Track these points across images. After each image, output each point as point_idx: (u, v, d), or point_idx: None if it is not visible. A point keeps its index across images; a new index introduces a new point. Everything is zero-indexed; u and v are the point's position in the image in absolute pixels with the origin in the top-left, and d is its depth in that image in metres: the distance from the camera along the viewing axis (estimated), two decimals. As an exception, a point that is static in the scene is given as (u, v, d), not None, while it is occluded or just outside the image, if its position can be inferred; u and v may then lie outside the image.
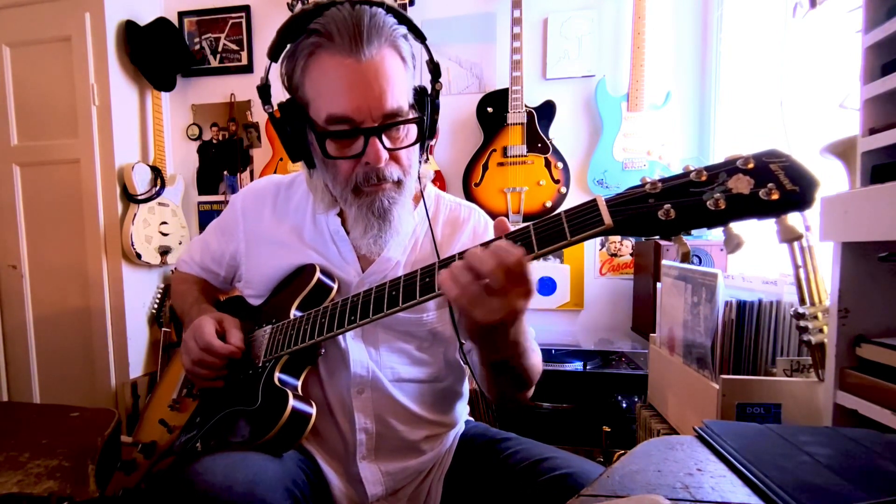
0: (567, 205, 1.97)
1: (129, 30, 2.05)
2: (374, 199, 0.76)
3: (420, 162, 0.81)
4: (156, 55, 2.12)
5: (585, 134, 2.06)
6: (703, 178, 0.49)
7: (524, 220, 2.01)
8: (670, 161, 1.91)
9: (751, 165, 0.48)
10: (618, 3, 1.99)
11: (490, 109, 2.04)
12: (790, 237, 0.48)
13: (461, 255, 0.61)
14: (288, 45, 0.74)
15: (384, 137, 0.72)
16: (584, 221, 0.54)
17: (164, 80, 2.18)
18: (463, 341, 0.83)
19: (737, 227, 0.49)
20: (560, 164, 1.99)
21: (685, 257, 0.53)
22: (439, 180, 2.11)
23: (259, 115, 2.31)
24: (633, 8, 1.88)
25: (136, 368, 2.11)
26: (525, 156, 1.99)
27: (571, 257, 2.09)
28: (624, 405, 1.64)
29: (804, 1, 1.38)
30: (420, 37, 0.76)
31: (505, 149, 2.00)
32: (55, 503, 0.81)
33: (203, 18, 2.32)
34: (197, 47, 2.33)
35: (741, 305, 0.97)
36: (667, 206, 0.50)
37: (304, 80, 0.73)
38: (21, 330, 2.15)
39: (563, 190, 2.00)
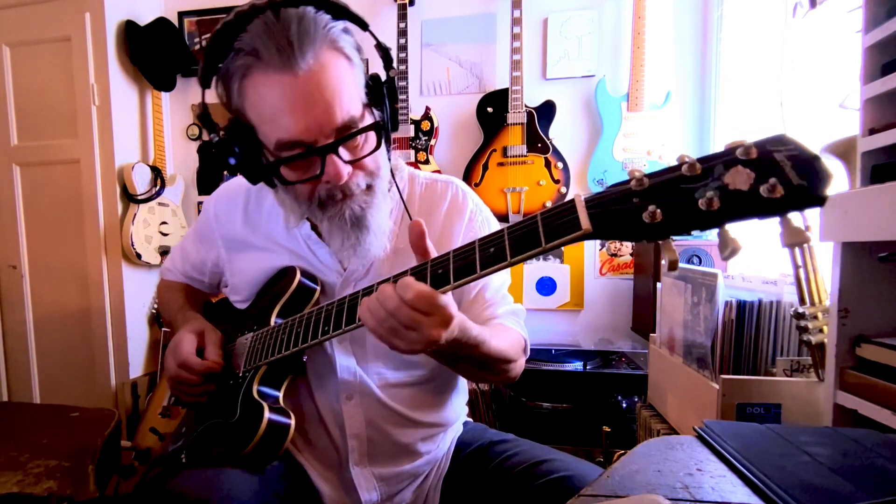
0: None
1: (129, 30, 2.05)
2: (343, 209, 0.70)
3: (390, 155, 0.75)
4: (156, 55, 2.11)
5: (585, 134, 2.06)
6: (697, 172, 0.43)
7: (524, 220, 2.01)
8: (670, 161, 1.91)
9: (753, 155, 0.41)
10: (618, 3, 1.99)
11: (490, 109, 2.03)
12: (796, 241, 0.41)
13: (458, 251, 0.58)
14: (216, 68, 0.67)
15: (342, 151, 0.66)
16: (560, 225, 0.48)
17: (164, 80, 2.18)
18: None
19: (733, 229, 0.43)
20: (560, 164, 1.99)
21: (672, 266, 0.45)
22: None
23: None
24: (633, 8, 1.88)
25: (136, 368, 2.11)
26: (525, 156, 1.99)
27: (571, 257, 2.09)
28: (624, 405, 1.64)
29: (804, 1, 1.37)
30: (362, 25, 0.69)
31: (505, 149, 2.00)
32: (55, 503, 0.81)
33: (203, 18, 2.32)
34: (197, 47, 2.33)
35: (741, 305, 0.97)
36: (652, 207, 0.43)
37: (243, 104, 0.67)
38: (21, 330, 2.15)
39: (563, 190, 2.00)
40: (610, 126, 1.95)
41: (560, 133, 2.02)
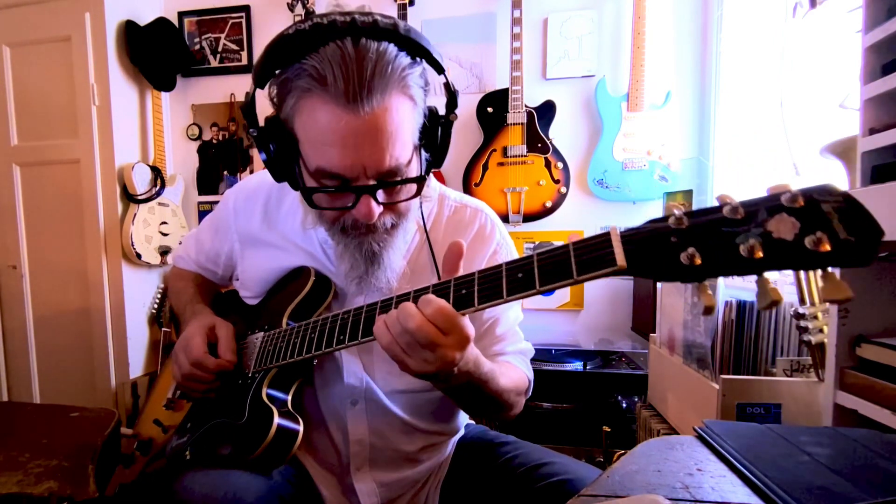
0: (566, 204, 2.00)
1: (129, 30, 2.05)
2: (363, 240, 0.69)
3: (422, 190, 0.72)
4: (156, 55, 2.12)
5: (585, 134, 2.06)
6: (739, 216, 0.41)
7: (524, 221, 2.01)
8: (670, 161, 1.91)
9: (799, 203, 0.39)
10: (618, 3, 1.99)
11: (490, 109, 2.03)
12: (837, 297, 0.39)
13: (483, 273, 0.57)
14: (275, 72, 0.64)
15: (379, 193, 0.64)
16: (594, 259, 0.48)
17: (164, 80, 2.18)
18: None
19: (773, 277, 0.41)
20: (560, 164, 1.99)
21: (708, 311, 0.44)
22: (439, 180, 2.10)
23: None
24: (633, 8, 1.88)
25: (136, 368, 2.11)
26: (525, 156, 1.99)
27: (571, 257, 2.09)
28: (624, 405, 1.64)
29: (804, 1, 1.38)
30: (438, 69, 0.65)
31: (505, 149, 2.00)
32: (55, 503, 0.80)
33: (203, 18, 2.32)
34: (197, 47, 2.33)
35: (741, 305, 0.97)
36: (691, 249, 0.42)
37: (294, 117, 0.65)
38: (21, 330, 2.15)
39: (563, 190, 2.00)
40: (610, 126, 1.95)
41: (560, 133, 2.02)
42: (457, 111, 0.68)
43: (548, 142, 1.99)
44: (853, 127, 0.80)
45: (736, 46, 1.81)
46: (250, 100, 0.67)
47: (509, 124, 1.99)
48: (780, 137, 1.49)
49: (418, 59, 0.63)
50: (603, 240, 0.48)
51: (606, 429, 1.40)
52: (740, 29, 1.79)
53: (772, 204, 0.40)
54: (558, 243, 2.36)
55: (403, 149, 0.64)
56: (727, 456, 0.52)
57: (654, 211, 1.98)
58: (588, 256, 0.48)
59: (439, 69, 0.65)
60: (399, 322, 0.55)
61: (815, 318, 0.88)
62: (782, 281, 1.00)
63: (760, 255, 0.39)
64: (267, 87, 0.66)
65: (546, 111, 2.00)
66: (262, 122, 0.67)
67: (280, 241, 0.84)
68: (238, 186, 0.91)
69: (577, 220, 2.06)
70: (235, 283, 0.93)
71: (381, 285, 0.73)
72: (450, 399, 0.79)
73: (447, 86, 0.68)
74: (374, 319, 0.61)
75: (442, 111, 0.68)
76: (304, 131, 0.64)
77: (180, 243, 2.19)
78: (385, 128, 0.61)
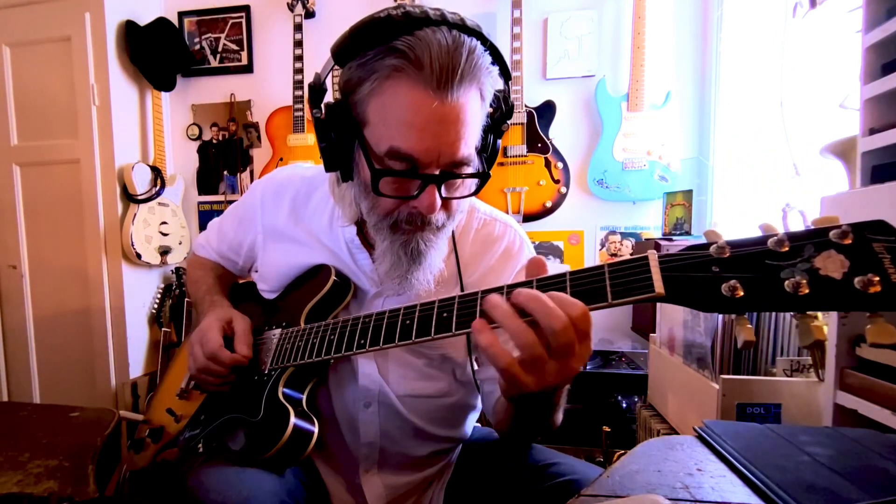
0: (566, 204, 2.00)
1: (129, 30, 2.05)
2: (410, 238, 0.68)
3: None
4: (156, 55, 2.12)
5: (585, 134, 2.06)
6: (785, 249, 0.40)
7: (524, 221, 2.01)
8: (670, 161, 1.92)
9: (848, 241, 0.38)
10: (618, 3, 1.99)
11: (490, 109, 2.03)
12: (882, 341, 0.38)
13: (485, 292, 0.54)
14: (360, 52, 0.62)
15: (442, 187, 0.64)
16: (631, 283, 0.46)
17: (164, 80, 2.18)
18: (476, 367, 0.79)
19: (818, 316, 0.40)
20: (560, 164, 1.99)
21: (748, 345, 0.43)
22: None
23: (259, 114, 2.30)
24: (633, 8, 1.88)
25: (136, 368, 2.11)
26: (525, 156, 1.99)
27: (571, 257, 2.09)
28: (624, 405, 1.64)
29: (804, 1, 1.38)
30: (507, 76, 0.67)
31: (505, 149, 2.00)
32: (55, 503, 0.81)
33: (203, 18, 2.32)
34: (197, 47, 2.33)
35: (741, 305, 0.97)
36: (733, 281, 0.41)
37: (369, 100, 0.63)
38: (21, 330, 2.15)
39: (563, 190, 2.00)
40: (610, 126, 1.95)
41: (560, 133, 2.02)
42: (508, 122, 0.69)
43: (548, 142, 1.99)
44: (853, 127, 0.80)
45: (736, 46, 1.81)
46: (321, 82, 0.66)
47: (509, 124, 1.99)
48: (780, 137, 1.49)
49: (493, 63, 0.64)
50: (640, 264, 0.46)
51: (606, 429, 1.40)
52: (740, 29, 1.79)
53: (819, 239, 0.39)
54: (559, 243, 2.33)
55: (472, 143, 0.65)
56: (727, 456, 0.52)
57: (655, 211, 1.99)
58: (624, 281, 0.46)
59: (508, 76, 0.67)
60: (529, 329, 0.49)
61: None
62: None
63: (806, 291, 0.38)
64: (344, 69, 0.65)
65: (546, 111, 2.00)
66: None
67: (305, 237, 0.83)
68: (267, 178, 0.90)
69: (577, 220, 2.07)
70: (254, 274, 0.92)
71: (419, 288, 0.72)
72: (461, 399, 0.80)
73: (506, 98, 0.69)
74: (396, 326, 0.61)
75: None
76: (381, 112, 0.63)
77: (181, 243, 2.20)
78: (464, 119, 0.62)
